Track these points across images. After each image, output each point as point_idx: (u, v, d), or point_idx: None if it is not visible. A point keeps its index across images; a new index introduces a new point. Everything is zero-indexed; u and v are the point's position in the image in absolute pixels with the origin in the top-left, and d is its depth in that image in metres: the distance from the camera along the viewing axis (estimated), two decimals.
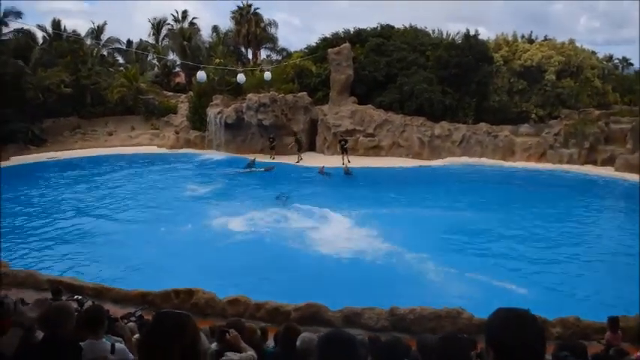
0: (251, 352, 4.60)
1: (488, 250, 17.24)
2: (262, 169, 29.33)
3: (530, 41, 35.83)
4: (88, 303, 8.16)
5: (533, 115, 31.86)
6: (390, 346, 4.88)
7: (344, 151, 30.28)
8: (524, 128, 31.31)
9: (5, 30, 40.25)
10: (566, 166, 29.10)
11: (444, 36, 38.22)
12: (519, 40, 36.23)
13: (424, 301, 11.50)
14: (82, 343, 3.92)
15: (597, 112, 30.88)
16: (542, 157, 30.31)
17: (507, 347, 2.05)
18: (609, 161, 28.74)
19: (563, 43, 34.51)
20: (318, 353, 2.76)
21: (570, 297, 13.46)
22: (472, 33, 34.46)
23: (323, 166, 28.71)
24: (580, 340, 7.77)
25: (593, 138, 29.43)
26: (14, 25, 39.38)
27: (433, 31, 38.96)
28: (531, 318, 2.12)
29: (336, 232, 18.70)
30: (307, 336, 4.57)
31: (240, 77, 29.65)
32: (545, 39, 35.86)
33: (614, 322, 9.04)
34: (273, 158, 31.54)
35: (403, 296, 12.36)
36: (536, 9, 70.37)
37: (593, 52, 36.34)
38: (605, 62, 39.23)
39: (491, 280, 14.38)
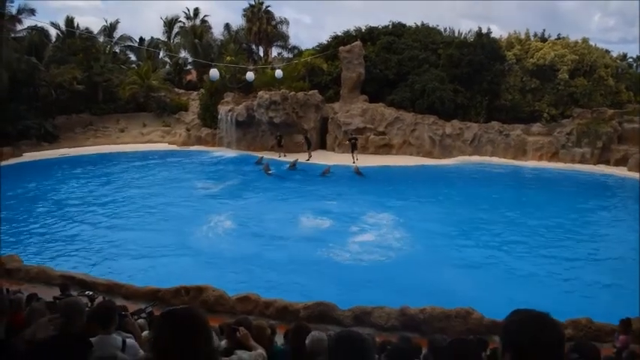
0: (260, 351, 4.58)
1: (500, 251, 17.13)
2: (289, 167, 29.37)
3: (543, 40, 35.53)
4: (99, 298, 8.20)
5: (545, 114, 31.68)
6: (401, 347, 4.86)
7: (354, 149, 30.21)
8: (536, 127, 31.11)
9: (19, 27, 40.57)
10: (578, 166, 28.92)
11: (456, 34, 38.13)
12: (532, 38, 35.95)
13: (434, 300, 11.45)
14: (92, 339, 3.92)
15: (611, 112, 30.56)
16: (554, 156, 30.10)
17: (527, 350, 1.97)
18: (622, 161, 28.52)
19: (576, 42, 34.26)
20: (329, 353, 2.72)
21: (583, 298, 13.34)
22: (484, 31, 34.35)
23: (329, 167, 28.35)
24: (592, 342, 7.69)
25: (607, 137, 29.18)
26: (28, 22, 39.69)
27: (445, 29, 38.97)
28: (551, 321, 2.05)
29: (347, 232, 18.70)
30: (317, 335, 4.54)
31: (249, 75, 29.68)
32: (559, 37, 35.57)
33: (626, 324, 8.94)
34: (285, 156, 31.46)
35: (414, 295, 12.34)
36: (549, 7, 69.68)
37: (607, 51, 36.08)
38: (619, 61, 38.84)
39: (501, 280, 14.33)
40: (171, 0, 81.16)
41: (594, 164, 29.01)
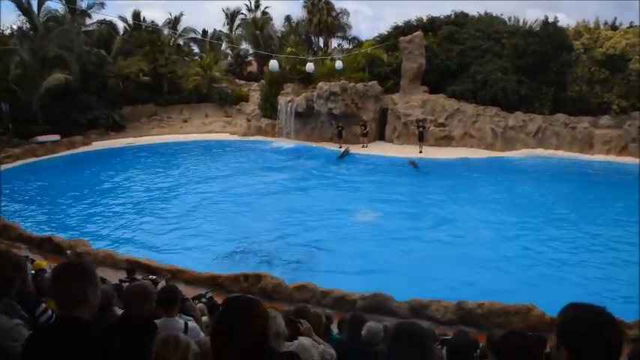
0: (323, 347, 4.54)
1: (563, 247, 16.57)
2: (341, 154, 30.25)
3: (614, 28, 33.94)
4: (162, 283, 8.51)
5: (614, 106, 30.30)
6: (460, 339, 4.81)
7: (421, 138, 30.18)
8: (604, 120, 29.76)
9: (89, 21, 42.33)
10: None
11: (521, 23, 36.92)
12: (602, 26, 34.40)
13: (492, 295, 11.26)
14: (156, 321, 4.08)
15: None
16: (623, 150, 28.71)
17: (584, 345, 1.92)
18: None
19: None
20: (389, 342, 2.70)
21: None
22: (551, 20, 33.06)
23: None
24: None
25: None
26: (97, 16, 41.36)
27: (509, 18, 37.79)
28: (609, 316, 2.00)
29: (410, 226, 18.56)
30: (373, 326, 4.57)
31: (309, 66, 29.81)
32: (631, 25, 33.83)
33: None
34: (342, 147, 31.52)
35: (470, 288, 12.20)
36: None
37: None
38: None
39: (563, 277, 13.91)
40: None
41: None
